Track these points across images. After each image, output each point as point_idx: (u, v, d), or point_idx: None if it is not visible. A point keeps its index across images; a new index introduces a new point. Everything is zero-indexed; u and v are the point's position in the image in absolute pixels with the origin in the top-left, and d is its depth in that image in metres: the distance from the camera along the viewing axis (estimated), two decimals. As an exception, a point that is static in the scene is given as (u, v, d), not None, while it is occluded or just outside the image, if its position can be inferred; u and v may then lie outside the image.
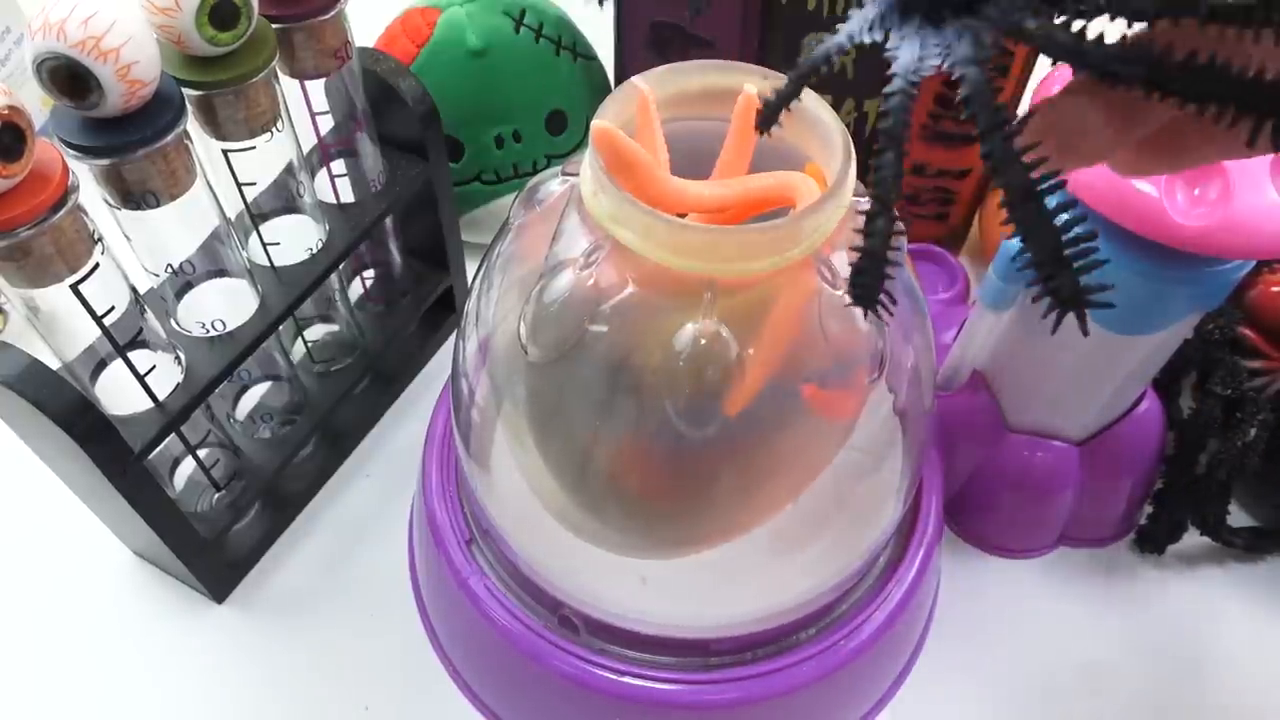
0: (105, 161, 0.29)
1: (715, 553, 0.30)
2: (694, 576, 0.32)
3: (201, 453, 0.40)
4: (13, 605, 0.41)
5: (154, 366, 0.34)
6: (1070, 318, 0.16)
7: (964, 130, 0.44)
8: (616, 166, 0.24)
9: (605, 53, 0.51)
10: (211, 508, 0.41)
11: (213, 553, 0.40)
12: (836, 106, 0.45)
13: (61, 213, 0.28)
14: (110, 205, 0.31)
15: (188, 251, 0.34)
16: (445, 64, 0.48)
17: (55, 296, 0.30)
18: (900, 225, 0.28)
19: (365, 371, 0.45)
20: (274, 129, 0.34)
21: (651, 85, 0.25)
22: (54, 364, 0.32)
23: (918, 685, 0.38)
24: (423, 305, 0.48)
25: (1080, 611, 0.41)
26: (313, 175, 0.39)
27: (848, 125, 0.45)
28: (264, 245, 0.38)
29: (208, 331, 0.36)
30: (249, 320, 0.37)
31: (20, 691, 0.39)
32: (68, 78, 0.27)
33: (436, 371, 0.50)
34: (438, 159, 0.43)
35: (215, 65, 0.31)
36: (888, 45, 0.17)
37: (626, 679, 0.32)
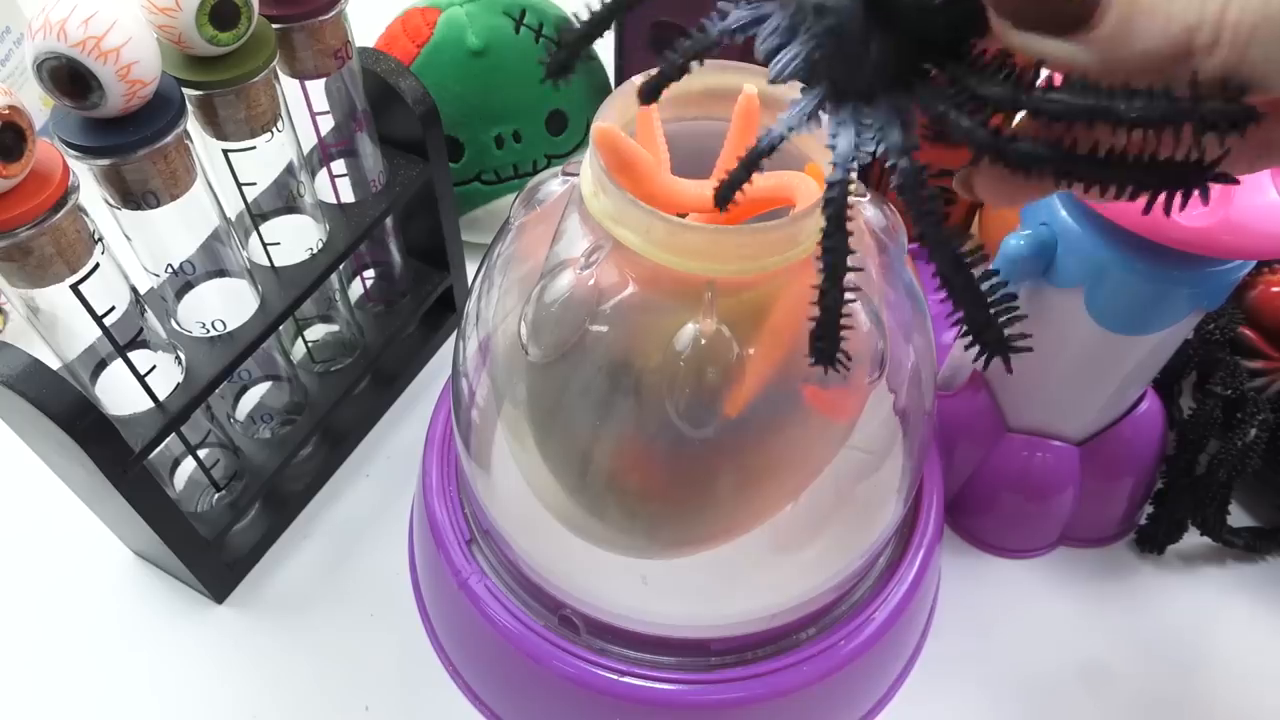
0: (105, 161, 0.29)
1: (715, 553, 0.30)
2: (694, 576, 0.32)
3: (201, 453, 0.40)
4: (13, 605, 0.41)
5: (154, 366, 0.34)
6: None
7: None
8: (617, 166, 0.24)
9: (605, 53, 0.51)
10: (211, 508, 0.41)
11: (213, 553, 0.40)
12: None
13: (62, 213, 0.28)
14: (110, 205, 0.31)
15: (188, 251, 0.34)
16: (445, 64, 0.48)
17: (55, 296, 0.30)
18: (901, 225, 0.28)
19: (365, 371, 0.45)
20: (274, 129, 0.34)
21: (652, 86, 0.25)
22: (54, 364, 0.32)
23: (918, 685, 0.38)
24: (423, 305, 0.48)
25: (1080, 611, 0.41)
26: (313, 175, 0.39)
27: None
28: (264, 245, 0.38)
29: (208, 331, 0.36)
30: (249, 320, 0.37)
31: (20, 691, 0.39)
32: (68, 78, 0.27)
33: (436, 371, 0.50)
34: (438, 159, 0.43)
35: (215, 65, 0.31)
36: (828, 134, 0.19)
37: (627, 679, 0.32)
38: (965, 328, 0.18)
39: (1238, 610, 0.42)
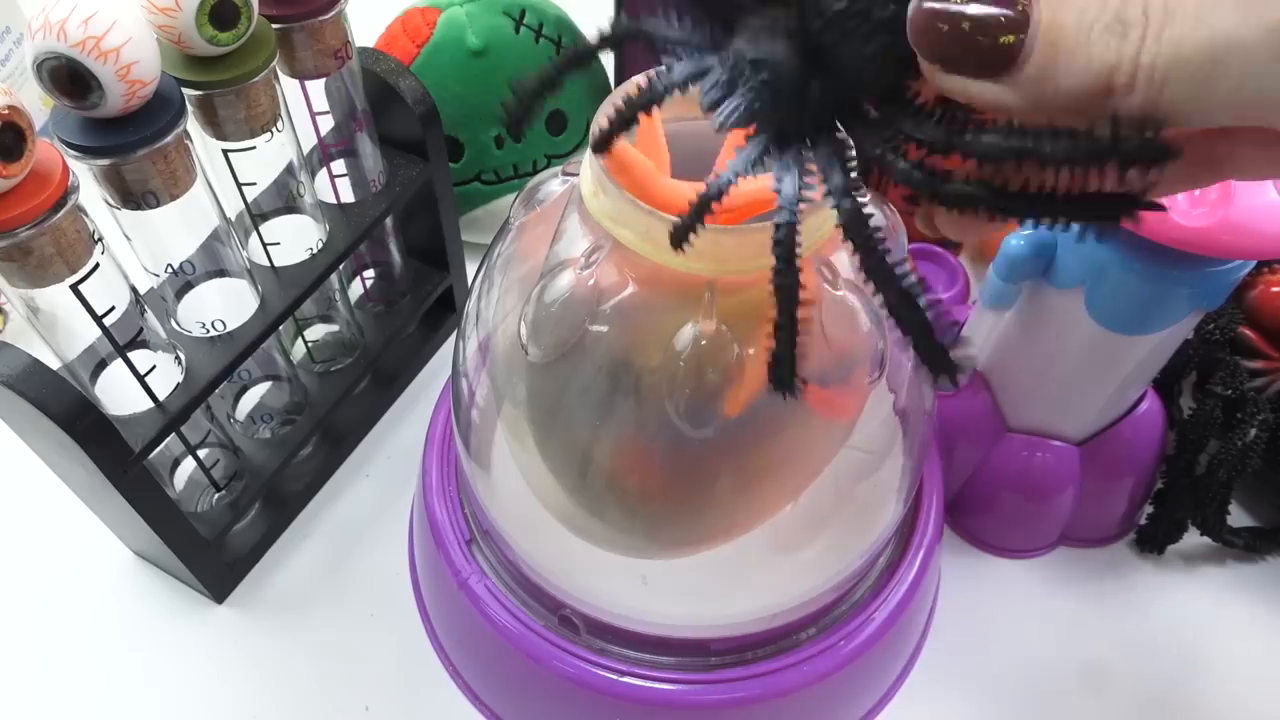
0: (105, 161, 0.29)
1: (715, 553, 0.30)
2: (694, 576, 0.32)
3: (201, 453, 0.40)
4: (13, 605, 0.41)
5: (154, 366, 0.34)
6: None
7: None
8: (617, 167, 0.24)
9: (605, 53, 0.51)
10: (211, 508, 0.41)
11: (213, 553, 0.40)
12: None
13: (61, 213, 0.28)
14: (110, 205, 0.31)
15: (188, 251, 0.34)
16: (445, 64, 0.48)
17: (55, 296, 0.30)
18: (902, 225, 0.28)
19: (365, 371, 0.45)
20: (274, 129, 0.34)
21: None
22: (54, 364, 0.32)
23: (918, 685, 0.38)
24: (423, 305, 0.48)
25: (1080, 611, 0.41)
26: (313, 175, 0.39)
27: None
28: (264, 245, 0.38)
29: (208, 331, 0.36)
30: (249, 320, 0.37)
31: (20, 691, 0.39)
32: (68, 78, 0.27)
33: (436, 371, 0.50)
34: (438, 159, 0.43)
35: (215, 65, 0.31)
36: (774, 178, 0.19)
37: (627, 679, 0.32)
38: (914, 353, 0.19)
39: (1238, 610, 0.42)
